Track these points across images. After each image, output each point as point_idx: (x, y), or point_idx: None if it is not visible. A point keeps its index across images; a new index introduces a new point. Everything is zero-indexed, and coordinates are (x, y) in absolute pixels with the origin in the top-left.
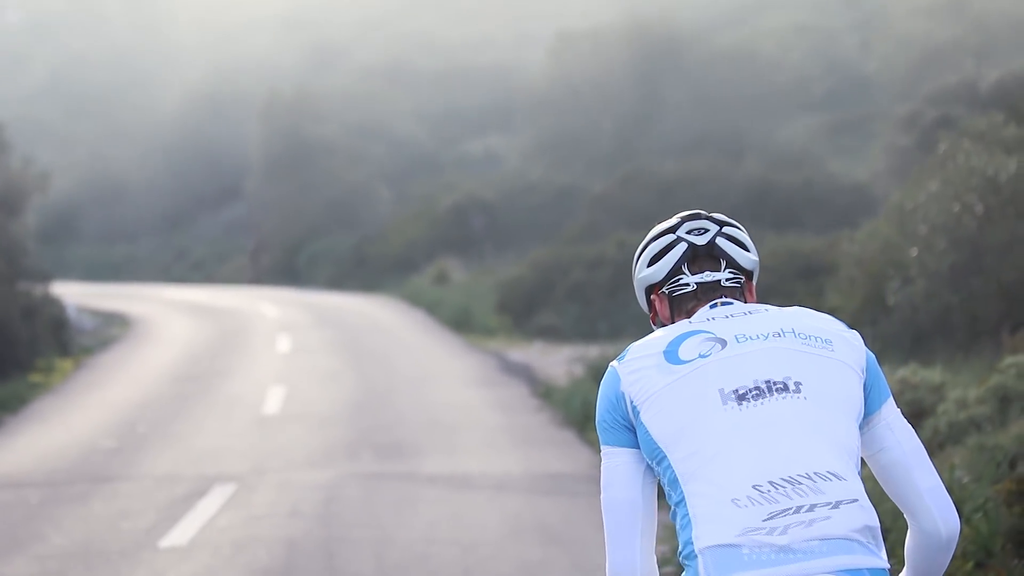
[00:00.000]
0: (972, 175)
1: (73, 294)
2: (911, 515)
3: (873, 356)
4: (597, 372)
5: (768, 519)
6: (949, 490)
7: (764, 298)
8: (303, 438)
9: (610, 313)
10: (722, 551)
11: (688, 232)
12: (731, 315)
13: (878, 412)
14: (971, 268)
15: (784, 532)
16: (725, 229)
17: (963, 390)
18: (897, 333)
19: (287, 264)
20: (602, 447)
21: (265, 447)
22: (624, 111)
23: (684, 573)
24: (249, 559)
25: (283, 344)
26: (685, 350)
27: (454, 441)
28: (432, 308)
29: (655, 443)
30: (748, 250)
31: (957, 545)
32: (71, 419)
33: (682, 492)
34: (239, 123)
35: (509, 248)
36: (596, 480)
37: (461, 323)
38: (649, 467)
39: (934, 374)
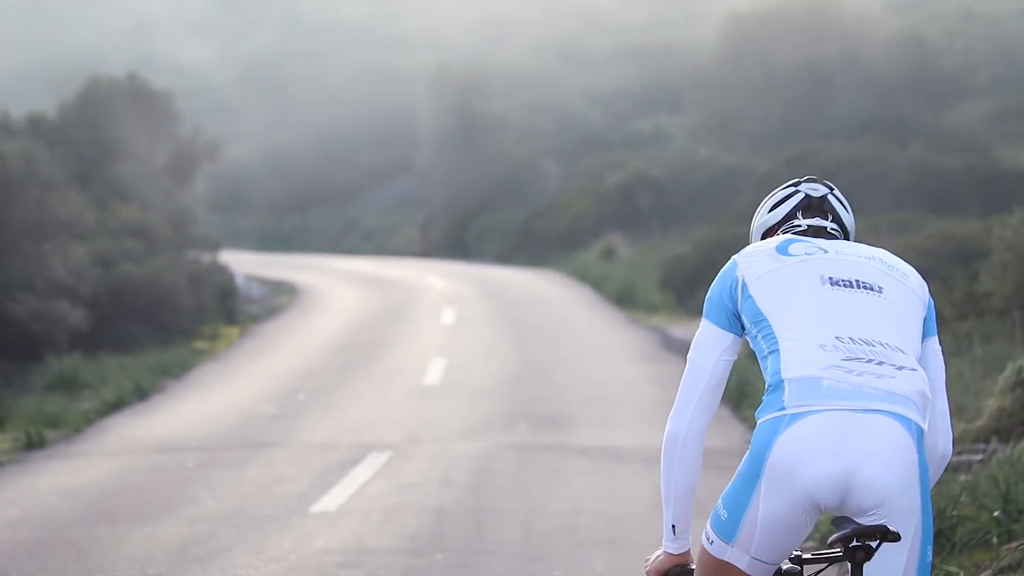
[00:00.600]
0: None
1: (243, 263)
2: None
3: (932, 301)
4: (753, 352)
5: (847, 360)
6: None
7: None
8: (461, 409)
9: None
10: (806, 381)
11: (806, 186)
12: (832, 238)
13: (929, 339)
14: None
15: (860, 375)
16: (835, 192)
17: None
18: None
19: (456, 237)
20: (703, 318)
21: (423, 417)
22: (792, 92)
23: (766, 396)
24: (397, 526)
25: (448, 316)
26: (794, 248)
27: (610, 415)
28: (597, 283)
29: (758, 309)
30: (849, 213)
31: None
32: (233, 386)
33: (776, 343)
34: (411, 96)
35: (675, 226)
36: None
37: (624, 299)
38: (726, 351)
39: None
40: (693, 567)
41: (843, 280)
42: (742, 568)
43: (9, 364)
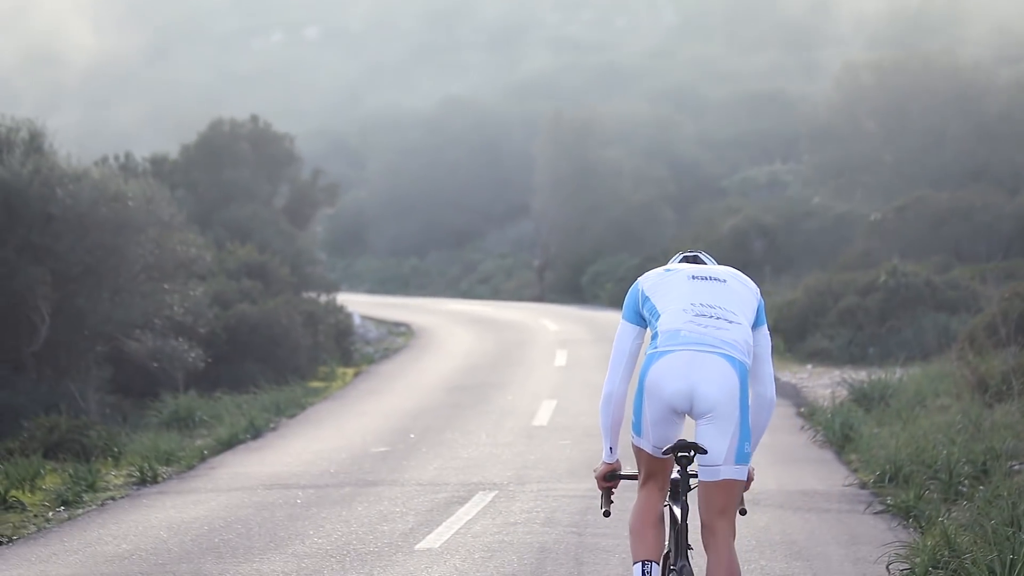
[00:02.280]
0: None
1: (360, 304)
2: (756, 383)
3: (763, 301)
4: (860, 395)
5: (697, 316)
6: None
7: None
8: (568, 450)
9: (880, 338)
10: (671, 331)
11: (687, 252)
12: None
13: (760, 327)
14: None
15: (705, 327)
16: (703, 252)
17: None
18: None
19: (571, 281)
20: (621, 319)
21: (530, 457)
22: (904, 141)
23: (651, 341)
24: (499, 563)
25: (560, 358)
26: (673, 266)
27: None
28: None
29: (651, 302)
30: (714, 260)
31: None
32: (346, 425)
33: (658, 314)
34: (528, 142)
35: (787, 271)
36: (848, 498)
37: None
38: (636, 337)
39: None
40: (620, 472)
41: (701, 276)
42: (648, 451)
43: (126, 401)
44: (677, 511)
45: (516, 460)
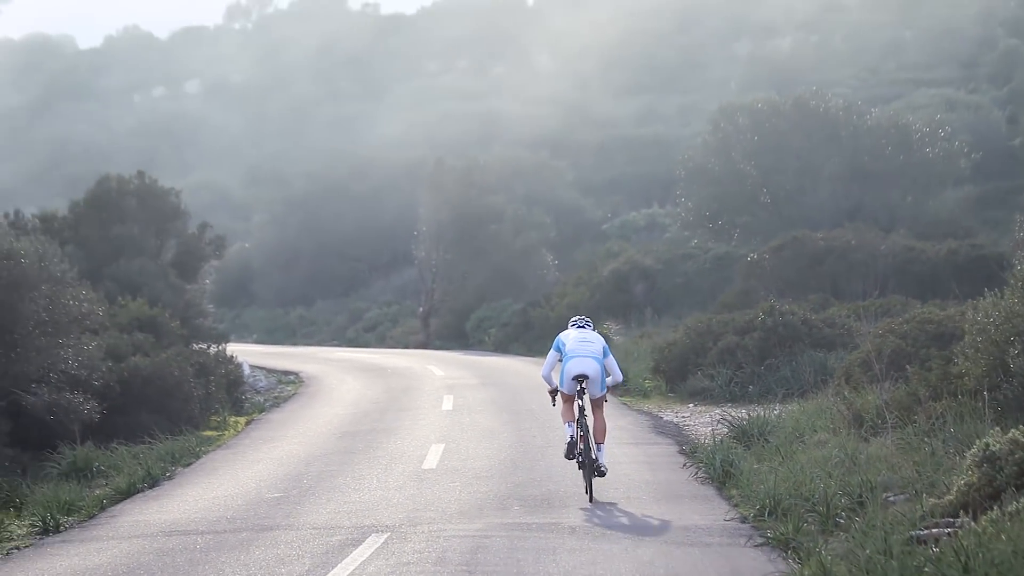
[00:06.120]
0: None
1: (250, 354)
2: (611, 373)
3: (607, 346)
4: (740, 432)
5: (578, 344)
6: None
7: (899, 363)
8: (457, 492)
9: (759, 376)
10: (571, 351)
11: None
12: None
13: (608, 357)
14: None
15: (583, 347)
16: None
17: None
18: (1017, 397)
19: (456, 327)
20: (551, 349)
21: (421, 499)
22: (780, 182)
23: (563, 357)
24: None
25: (447, 403)
26: (573, 333)
27: (599, 495)
28: None
29: (564, 349)
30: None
31: None
32: (239, 472)
33: (567, 354)
34: (411, 191)
35: (668, 312)
36: (729, 532)
37: (618, 385)
38: (556, 358)
39: None
40: (553, 390)
41: (580, 341)
42: (567, 392)
43: (24, 454)
44: (580, 406)
45: (407, 503)
